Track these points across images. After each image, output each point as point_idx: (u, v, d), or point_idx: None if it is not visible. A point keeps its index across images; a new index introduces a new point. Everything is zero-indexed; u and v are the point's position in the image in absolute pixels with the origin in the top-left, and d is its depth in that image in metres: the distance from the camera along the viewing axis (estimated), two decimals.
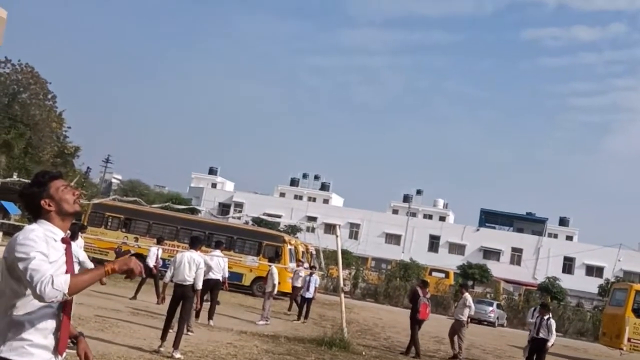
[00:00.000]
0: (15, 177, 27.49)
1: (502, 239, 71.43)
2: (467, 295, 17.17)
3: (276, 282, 18.10)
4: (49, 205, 3.34)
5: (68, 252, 3.33)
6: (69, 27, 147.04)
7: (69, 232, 3.50)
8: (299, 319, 19.56)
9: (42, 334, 3.18)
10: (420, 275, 45.97)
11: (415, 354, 15.62)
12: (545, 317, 14.96)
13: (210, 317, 15.62)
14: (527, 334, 15.65)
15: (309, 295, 19.75)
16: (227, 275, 20.89)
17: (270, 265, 18.88)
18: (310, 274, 20.41)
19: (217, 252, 16.66)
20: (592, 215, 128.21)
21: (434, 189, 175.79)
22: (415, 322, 15.85)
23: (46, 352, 3.18)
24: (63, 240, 3.33)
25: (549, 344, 14.93)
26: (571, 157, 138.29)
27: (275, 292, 18.43)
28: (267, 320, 17.64)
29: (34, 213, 3.37)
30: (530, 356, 14.84)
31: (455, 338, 16.68)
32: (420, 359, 15.50)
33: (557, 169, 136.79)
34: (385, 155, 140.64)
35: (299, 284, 21.66)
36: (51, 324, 3.21)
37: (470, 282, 53.04)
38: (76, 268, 10.16)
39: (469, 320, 17.18)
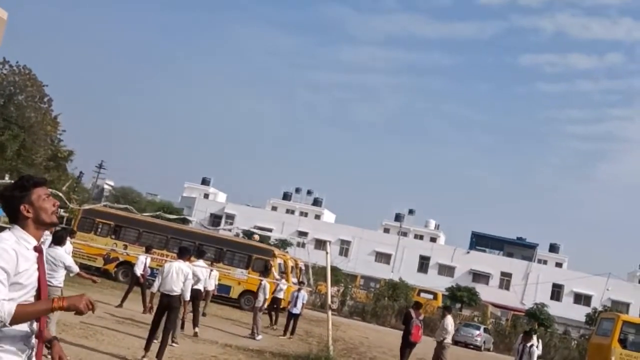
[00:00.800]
0: (7, 179, 27.34)
1: (491, 262, 71.49)
2: (448, 317, 17.12)
3: (267, 296, 18.14)
4: (28, 212, 3.28)
5: (40, 261, 3.29)
6: (68, 32, 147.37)
7: (45, 239, 3.49)
8: (285, 334, 19.47)
9: (12, 341, 3.14)
10: (409, 296, 45.95)
11: None
12: (529, 344, 15.08)
13: (195, 324, 15.48)
14: None
15: (296, 311, 19.64)
16: (214, 286, 21.00)
17: (262, 279, 18.84)
18: (298, 290, 20.34)
19: (201, 262, 16.51)
20: (583, 243, 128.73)
21: (426, 210, 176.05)
22: (407, 345, 15.75)
23: (17, 357, 3.16)
24: (35, 249, 3.28)
25: None
26: (565, 183, 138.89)
27: (265, 306, 18.41)
28: (258, 334, 17.58)
29: (11, 217, 3.31)
30: None
31: None
32: None
33: (550, 195, 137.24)
34: (379, 174, 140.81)
35: (280, 295, 21.78)
36: (23, 328, 3.18)
37: (458, 305, 53.01)
38: (62, 273, 10.01)
39: (450, 343, 17.06)
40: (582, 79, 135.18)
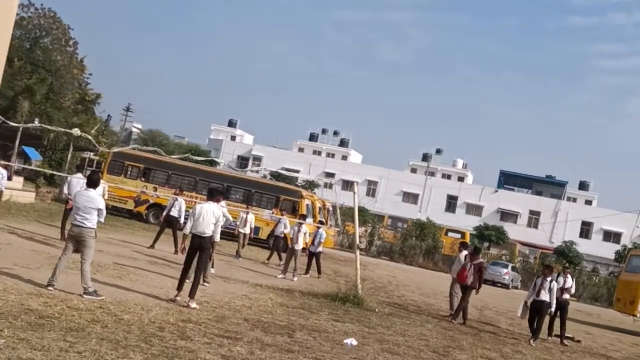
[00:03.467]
0: (37, 123, 27.60)
1: (520, 201, 71.13)
2: (463, 253, 17.12)
3: (307, 239, 18.47)
4: None
5: None
6: None
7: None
8: (306, 272, 19.61)
9: None
10: (437, 235, 46.03)
11: (461, 319, 15.44)
12: (548, 279, 14.62)
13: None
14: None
15: (314, 249, 19.66)
16: (249, 230, 21.44)
17: (301, 223, 18.97)
18: (317, 228, 20.38)
19: (223, 203, 16.48)
20: (613, 180, 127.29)
21: (453, 149, 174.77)
22: (465, 289, 15.72)
23: None
24: None
25: (552, 309, 14.82)
26: (595, 120, 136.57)
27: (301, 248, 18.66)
28: (293, 275, 17.86)
29: None
30: (531, 319, 14.68)
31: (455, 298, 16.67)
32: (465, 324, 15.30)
33: (580, 132, 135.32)
34: (406, 113, 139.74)
35: (281, 234, 22.35)
36: None
37: (486, 244, 53.10)
38: (95, 215, 10.15)
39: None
40: (615, 12, 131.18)
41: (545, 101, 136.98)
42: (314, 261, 19.84)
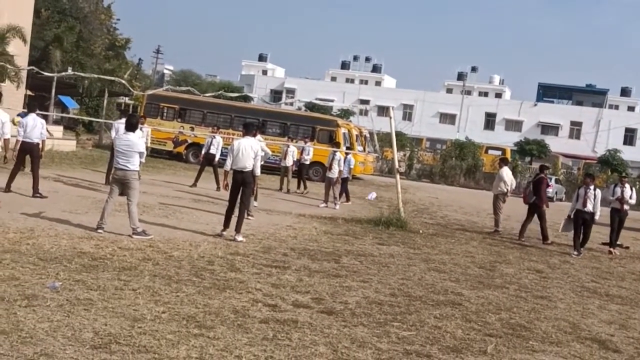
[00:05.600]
0: (70, 71, 27.79)
1: (560, 113, 69.74)
2: (504, 169, 16.96)
3: (342, 167, 18.47)
4: None
5: None
6: None
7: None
8: (347, 200, 19.69)
9: None
10: (477, 154, 45.60)
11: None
12: (591, 187, 14.14)
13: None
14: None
15: (343, 175, 19.51)
16: (292, 162, 21.50)
17: (335, 151, 18.93)
18: (347, 154, 20.25)
19: (259, 137, 16.45)
20: None
21: (489, 66, 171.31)
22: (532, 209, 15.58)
23: None
24: None
25: (596, 217, 14.34)
26: (634, 22, 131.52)
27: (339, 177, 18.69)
28: (334, 204, 18.01)
29: None
30: (576, 230, 14.19)
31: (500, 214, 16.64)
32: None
33: (620, 38, 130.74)
34: (437, 33, 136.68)
35: (307, 161, 22.85)
36: None
37: (527, 158, 52.53)
38: (137, 157, 10.32)
39: (507, 194, 16.87)
40: None
41: (581, 7, 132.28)
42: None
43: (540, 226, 15.58)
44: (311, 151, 23.14)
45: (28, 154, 13.48)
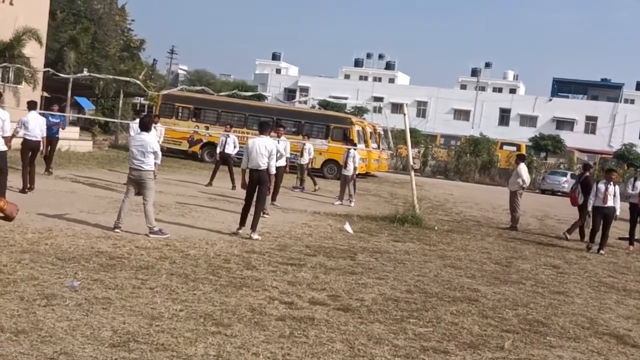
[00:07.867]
0: (85, 73, 28.01)
1: (575, 107, 69.22)
2: (521, 166, 16.87)
3: (357, 164, 18.49)
4: None
5: None
6: None
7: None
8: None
9: None
10: (491, 150, 45.42)
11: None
12: (611, 183, 14.00)
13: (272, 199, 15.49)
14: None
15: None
16: (307, 160, 21.36)
17: (349, 148, 18.93)
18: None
19: (283, 137, 16.53)
20: None
21: (503, 62, 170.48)
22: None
23: None
24: None
25: (617, 212, 14.17)
26: None
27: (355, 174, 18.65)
28: (349, 201, 18.02)
29: None
30: (596, 226, 14.02)
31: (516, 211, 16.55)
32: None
33: (635, 31, 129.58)
34: (451, 29, 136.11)
35: (307, 161, 21.99)
36: None
37: (542, 154, 52.23)
38: (152, 157, 10.37)
39: (522, 191, 16.82)
40: None
41: (595, 1, 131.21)
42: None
43: (576, 221, 15.62)
44: (311, 150, 22.54)
45: (31, 151, 13.82)
